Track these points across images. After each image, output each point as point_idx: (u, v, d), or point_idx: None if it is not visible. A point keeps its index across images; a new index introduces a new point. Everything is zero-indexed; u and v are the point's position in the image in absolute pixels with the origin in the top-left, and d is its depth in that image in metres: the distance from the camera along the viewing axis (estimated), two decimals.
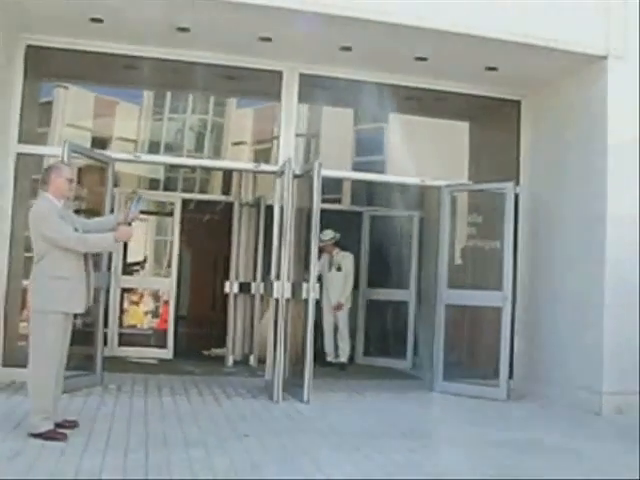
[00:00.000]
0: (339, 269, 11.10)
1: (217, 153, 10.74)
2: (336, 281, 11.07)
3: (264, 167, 9.20)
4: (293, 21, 7.61)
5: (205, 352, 11.37)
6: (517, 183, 9.32)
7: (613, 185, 8.20)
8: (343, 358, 11.01)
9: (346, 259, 11.16)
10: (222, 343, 11.14)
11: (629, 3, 8.30)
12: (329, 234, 10.87)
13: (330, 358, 11.03)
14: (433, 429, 6.88)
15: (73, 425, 6.00)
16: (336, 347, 11.10)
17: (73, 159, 7.85)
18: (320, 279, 10.19)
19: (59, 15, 7.74)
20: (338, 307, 11.01)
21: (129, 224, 6.07)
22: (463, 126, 10.48)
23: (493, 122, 10.15)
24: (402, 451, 5.94)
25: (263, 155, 9.68)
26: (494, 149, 10.06)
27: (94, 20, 7.81)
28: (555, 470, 5.61)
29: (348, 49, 8.37)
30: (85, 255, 5.90)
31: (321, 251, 10.59)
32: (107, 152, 8.90)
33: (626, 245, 8.08)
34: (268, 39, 8.21)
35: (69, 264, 5.77)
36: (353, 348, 11.33)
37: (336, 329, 11.11)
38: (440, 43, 8.07)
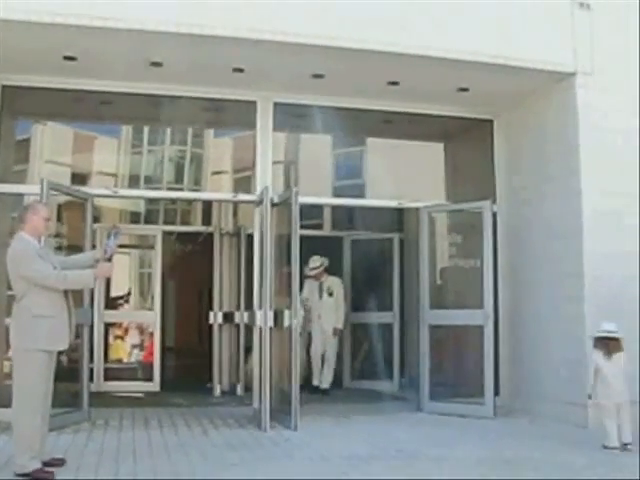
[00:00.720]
0: (330, 294, 11.04)
1: (197, 183, 10.76)
2: (328, 307, 11.01)
3: (242, 197, 9.26)
4: (265, 52, 7.71)
5: (208, 385, 11.19)
6: (494, 201, 9.42)
7: (588, 198, 8.30)
8: (325, 384, 10.96)
9: (336, 284, 11.13)
10: (210, 374, 11.11)
11: (594, 20, 8.44)
12: (318, 260, 10.90)
13: (316, 382, 11.00)
14: (420, 450, 6.87)
15: (61, 463, 5.98)
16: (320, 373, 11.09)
17: (52, 196, 7.88)
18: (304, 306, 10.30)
19: (33, 54, 7.78)
20: (335, 333, 10.98)
21: (108, 260, 6.09)
22: (439, 147, 10.57)
23: (468, 142, 10.25)
24: (390, 474, 5.97)
25: (244, 183, 9.70)
26: (470, 169, 10.16)
27: (67, 58, 7.87)
28: None
29: (320, 76, 8.47)
30: (65, 292, 5.91)
31: (308, 278, 10.78)
32: (85, 188, 8.91)
33: (605, 258, 8.15)
34: (241, 70, 8.29)
35: (50, 302, 5.78)
36: (338, 373, 11.31)
37: (323, 355, 11.07)
38: (410, 67, 8.19)
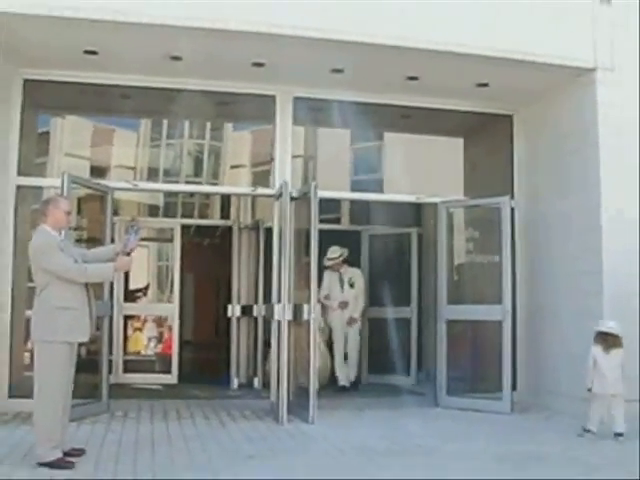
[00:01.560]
0: (352, 285, 10.86)
1: (215, 177, 10.83)
2: (351, 299, 10.85)
3: (261, 191, 9.27)
4: (285, 46, 7.74)
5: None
6: (512, 197, 9.40)
7: (607, 195, 8.30)
8: (346, 381, 10.69)
9: (357, 275, 10.97)
10: (227, 366, 11.14)
11: (615, 15, 8.42)
12: (337, 251, 10.76)
13: (343, 382, 10.68)
14: (436, 445, 6.88)
15: (81, 453, 6.06)
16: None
17: (72, 189, 7.95)
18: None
19: (54, 49, 7.87)
20: (351, 322, 10.82)
21: (128, 254, 6.13)
22: (457, 142, 10.55)
23: (487, 137, 10.24)
24: (406, 468, 5.99)
25: (262, 177, 9.73)
26: (489, 164, 10.15)
27: (88, 52, 7.92)
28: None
29: (340, 71, 8.48)
30: (86, 285, 5.98)
31: (327, 269, 10.69)
32: (105, 181, 8.99)
33: (623, 255, 8.15)
34: (261, 64, 8.32)
35: (71, 294, 5.85)
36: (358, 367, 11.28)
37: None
38: (430, 62, 8.19)
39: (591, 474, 5.90)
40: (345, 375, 10.72)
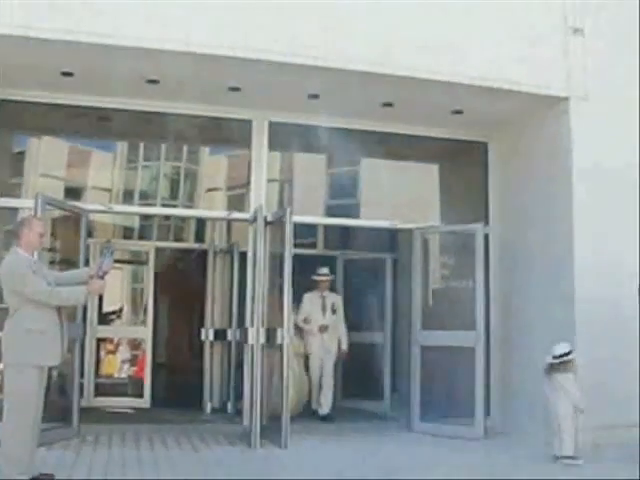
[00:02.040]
0: (334, 312, 10.39)
1: (191, 200, 10.79)
2: (332, 325, 10.36)
3: (236, 215, 9.28)
4: (261, 72, 7.78)
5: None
6: (487, 223, 9.47)
7: (580, 223, 8.39)
8: (326, 409, 10.17)
9: (339, 301, 10.56)
10: (201, 391, 11.08)
11: (588, 45, 8.54)
12: (326, 270, 10.51)
13: (315, 406, 10.33)
14: (409, 471, 6.87)
15: (49, 478, 5.97)
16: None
17: (46, 211, 7.90)
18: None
19: (30, 70, 7.81)
20: (342, 356, 10.51)
21: (102, 277, 6.09)
22: (433, 168, 10.61)
23: (462, 164, 10.31)
24: None
25: (238, 200, 9.72)
26: (464, 190, 10.22)
27: (65, 74, 7.91)
28: None
29: (316, 97, 8.54)
30: (59, 307, 5.92)
31: (307, 292, 10.45)
32: (80, 203, 8.94)
33: (595, 284, 8.22)
34: (237, 89, 8.35)
35: (43, 317, 5.79)
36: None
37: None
38: (404, 88, 8.26)
39: None
40: (324, 403, 10.20)
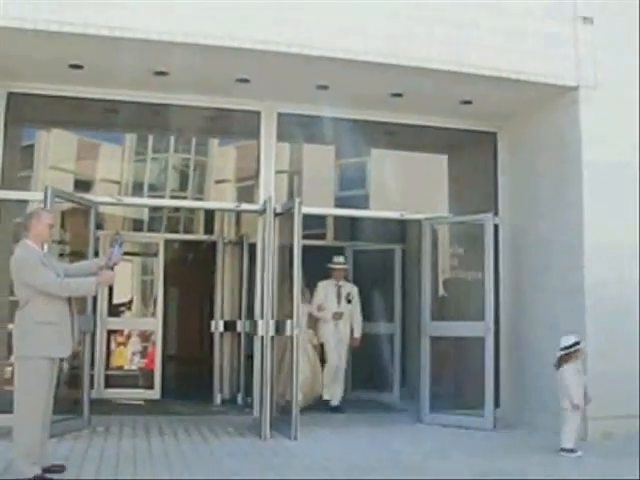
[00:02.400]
0: (349, 301, 10.26)
1: (200, 191, 10.82)
2: (347, 314, 10.24)
3: (245, 206, 9.27)
4: (270, 63, 7.77)
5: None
6: (496, 214, 9.45)
7: (589, 212, 8.36)
8: (336, 401, 10.09)
9: (355, 291, 10.39)
10: (211, 382, 11.10)
11: (597, 34, 8.50)
12: (341, 259, 10.47)
13: (327, 397, 10.11)
14: (419, 462, 6.88)
15: (61, 469, 6.00)
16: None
17: (56, 204, 7.92)
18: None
19: (39, 63, 7.83)
20: (355, 344, 10.37)
21: (111, 268, 6.11)
22: (442, 159, 10.60)
23: (471, 154, 10.29)
24: None
25: (247, 192, 9.72)
26: (473, 181, 10.19)
27: (73, 66, 7.91)
28: None
29: (325, 87, 8.52)
30: (69, 299, 5.94)
31: (323, 280, 10.36)
32: (89, 195, 8.96)
33: (604, 274, 8.20)
34: (246, 80, 8.34)
35: (53, 309, 5.81)
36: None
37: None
38: (414, 79, 8.23)
39: None
40: (336, 394, 10.12)
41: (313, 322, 10.23)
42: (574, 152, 8.52)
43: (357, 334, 10.34)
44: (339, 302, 10.21)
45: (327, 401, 10.13)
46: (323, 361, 10.26)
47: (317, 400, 10.06)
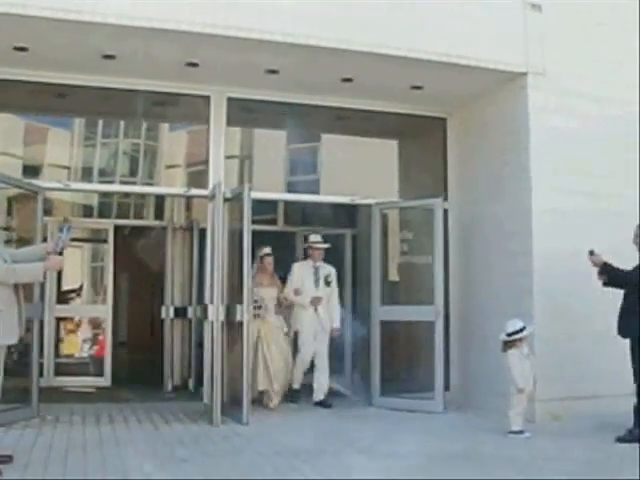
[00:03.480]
0: (328, 284, 9.49)
1: (151, 177, 10.73)
2: (325, 299, 9.44)
3: (194, 191, 9.22)
4: (218, 47, 7.72)
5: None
6: (445, 198, 9.52)
7: (537, 199, 8.47)
8: (321, 394, 9.35)
9: (333, 274, 9.58)
10: (162, 369, 11.05)
11: (545, 20, 8.59)
12: (319, 238, 9.70)
13: (297, 386, 9.46)
14: (369, 445, 6.92)
15: (7, 460, 5.89)
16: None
17: (1, 189, 7.79)
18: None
19: None
20: (334, 333, 9.53)
21: (60, 253, 6.04)
22: (392, 144, 10.63)
23: (421, 139, 10.36)
24: (339, 468, 6.02)
25: (197, 177, 9.66)
26: (423, 166, 10.26)
27: (18, 49, 7.77)
28: (490, 476, 5.78)
29: (274, 72, 8.48)
30: (16, 286, 5.86)
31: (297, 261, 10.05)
32: (36, 181, 8.82)
33: (553, 257, 8.31)
34: (195, 64, 8.27)
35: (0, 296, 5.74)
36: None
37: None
38: (363, 64, 8.23)
39: (523, 471, 5.98)
40: (318, 388, 9.35)
41: (285, 308, 9.55)
42: (523, 137, 8.61)
43: (336, 324, 9.52)
44: (317, 285, 9.45)
45: (296, 390, 9.46)
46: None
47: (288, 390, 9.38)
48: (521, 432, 7.37)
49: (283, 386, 9.23)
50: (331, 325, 9.42)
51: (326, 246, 9.72)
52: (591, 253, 7.48)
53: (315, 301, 9.33)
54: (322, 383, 9.37)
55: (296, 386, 9.48)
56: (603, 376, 8.07)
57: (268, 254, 9.50)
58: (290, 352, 9.41)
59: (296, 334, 9.49)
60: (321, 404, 9.26)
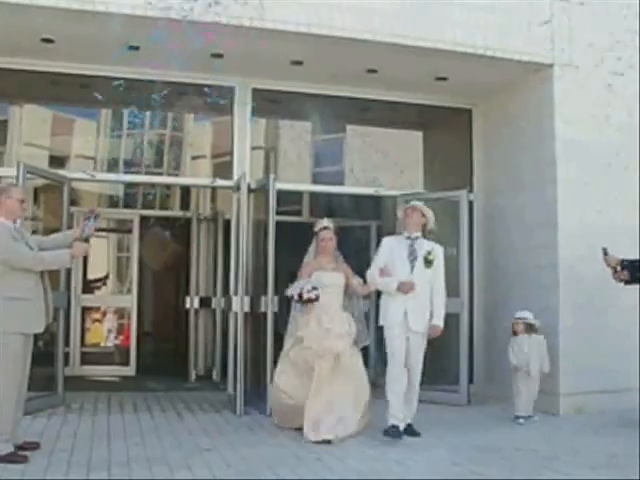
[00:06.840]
0: (429, 263, 6.98)
1: (176, 167, 10.75)
2: (422, 285, 6.95)
3: (220, 182, 9.23)
4: (244, 38, 7.71)
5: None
6: (471, 190, 9.48)
7: (563, 189, 8.40)
8: (409, 419, 7.20)
9: (438, 250, 7.14)
10: (186, 358, 11.10)
11: (572, 10, 8.51)
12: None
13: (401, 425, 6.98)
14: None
15: (34, 447, 5.99)
16: None
17: (28, 179, 7.85)
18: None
19: (10, 36, 7.69)
20: (436, 332, 7.13)
21: (85, 240, 6.08)
22: (417, 135, 10.60)
23: (446, 131, 10.30)
24: (364, 460, 6.06)
25: (223, 168, 9.67)
26: (448, 157, 10.21)
27: (45, 40, 7.81)
28: (512, 469, 5.76)
29: (299, 63, 8.47)
30: (42, 274, 5.92)
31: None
32: (63, 171, 8.88)
33: (577, 248, 8.25)
34: (220, 55, 8.27)
35: (26, 284, 5.79)
36: None
37: None
38: (388, 55, 8.18)
39: (546, 465, 5.97)
40: (407, 415, 7.16)
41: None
42: (548, 129, 8.54)
43: (437, 321, 7.08)
44: (412, 266, 7.03)
45: None
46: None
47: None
48: (527, 418, 7.64)
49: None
50: (429, 322, 7.03)
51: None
52: (605, 253, 7.39)
53: (406, 286, 6.89)
54: (412, 406, 7.20)
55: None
56: (630, 370, 7.99)
57: (326, 227, 7.51)
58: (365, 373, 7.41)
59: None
60: (406, 431, 6.98)
